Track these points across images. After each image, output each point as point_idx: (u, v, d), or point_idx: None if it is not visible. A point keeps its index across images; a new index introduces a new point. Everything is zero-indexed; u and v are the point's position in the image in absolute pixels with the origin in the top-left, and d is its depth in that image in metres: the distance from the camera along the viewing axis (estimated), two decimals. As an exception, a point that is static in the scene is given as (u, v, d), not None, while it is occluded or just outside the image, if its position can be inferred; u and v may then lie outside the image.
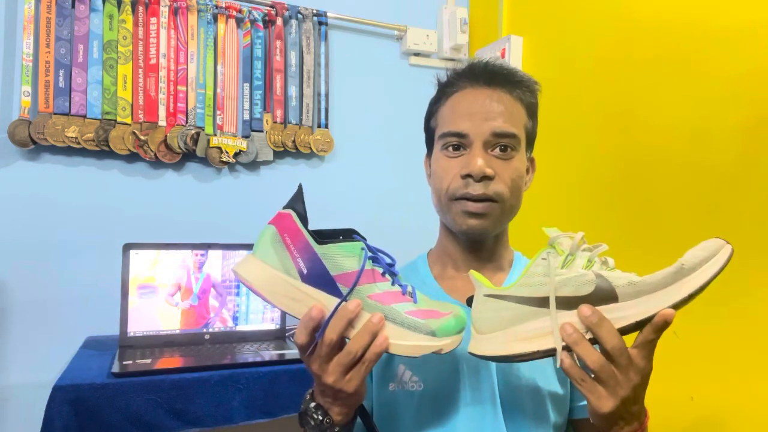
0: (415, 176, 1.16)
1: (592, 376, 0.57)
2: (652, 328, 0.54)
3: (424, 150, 0.88)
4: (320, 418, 0.63)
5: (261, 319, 1.43)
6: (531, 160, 0.84)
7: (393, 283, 0.63)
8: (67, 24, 1.48)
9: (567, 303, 0.57)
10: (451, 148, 0.77)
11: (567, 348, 0.57)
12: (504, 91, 0.78)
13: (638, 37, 1.35)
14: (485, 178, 0.74)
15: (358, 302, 0.60)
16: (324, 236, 0.63)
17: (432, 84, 0.86)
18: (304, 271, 0.60)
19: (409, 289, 0.64)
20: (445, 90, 0.82)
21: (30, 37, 1.44)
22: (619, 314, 0.55)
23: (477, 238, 0.80)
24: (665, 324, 0.54)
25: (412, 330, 0.61)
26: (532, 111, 0.81)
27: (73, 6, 1.49)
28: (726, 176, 1.14)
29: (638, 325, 0.55)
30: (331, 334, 0.59)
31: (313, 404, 0.65)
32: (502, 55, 1.75)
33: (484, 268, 0.82)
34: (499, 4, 1.85)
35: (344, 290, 0.60)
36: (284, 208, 0.62)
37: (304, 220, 0.61)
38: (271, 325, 1.44)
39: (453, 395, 0.74)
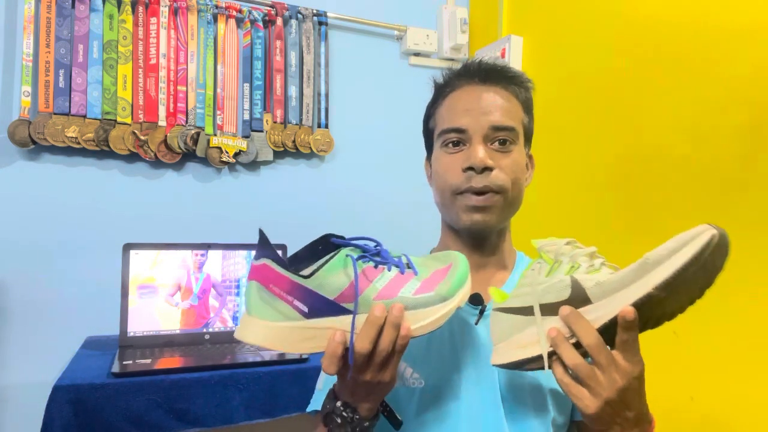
0: (415, 176, 1.16)
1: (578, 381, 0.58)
2: (620, 328, 0.54)
3: (424, 149, 0.88)
4: (350, 415, 0.65)
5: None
6: (529, 157, 0.84)
7: (389, 269, 0.63)
8: (67, 24, 1.48)
9: (552, 309, 0.58)
10: (450, 145, 0.78)
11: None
12: (499, 87, 0.79)
13: (638, 36, 1.35)
14: (486, 170, 0.74)
15: (382, 307, 0.59)
16: (303, 258, 0.62)
17: (432, 85, 0.86)
18: (305, 309, 0.59)
19: (404, 260, 0.64)
20: (441, 91, 0.82)
21: (30, 37, 1.44)
22: (593, 315, 0.56)
23: (480, 234, 0.80)
24: (627, 323, 0.53)
25: (427, 306, 0.61)
26: (527, 106, 0.81)
27: (73, 6, 1.49)
28: (726, 176, 1.14)
29: (612, 325, 0.55)
30: (364, 344, 0.59)
31: (339, 403, 0.66)
32: (502, 55, 1.75)
33: (487, 265, 0.82)
34: (499, 4, 1.85)
35: (349, 306, 0.59)
36: (255, 259, 0.60)
37: (280, 262, 0.59)
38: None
39: (454, 392, 0.75)
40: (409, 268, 0.64)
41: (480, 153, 0.74)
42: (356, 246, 0.63)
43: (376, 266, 0.62)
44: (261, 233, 0.61)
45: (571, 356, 0.56)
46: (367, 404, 0.65)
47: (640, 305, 0.53)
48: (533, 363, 0.60)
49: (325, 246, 0.63)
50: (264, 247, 0.60)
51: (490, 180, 0.74)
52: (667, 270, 0.51)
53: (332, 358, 0.59)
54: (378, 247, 0.64)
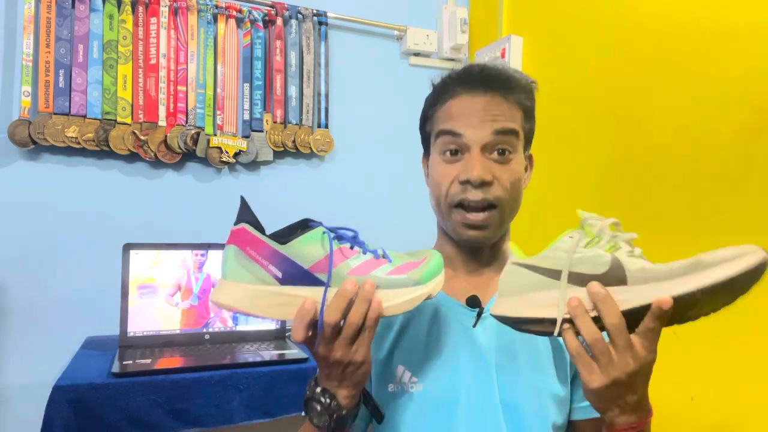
0: (415, 176, 1.16)
1: (590, 354, 0.58)
2: (651, 316, 0.54)
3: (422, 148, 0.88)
4: (327, 401, 0.64)
5: (261, 319, 1.43)
6: (529, 158, 0.83)
7: (364, 253, 0.65)
8: (67, 24, 1.48)
9: (580, 280, 0.58)
10: (448, 153, 0.76)
11: (570, 322, 0.58)
12: (501, 96, 0.76)
13: (638, 37, 1.35)
14: (484, 184, 0.73)
15: (353, 281, 0.61)
16: (282, 235, 0.63)
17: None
18: (279, 275, 0.60)
19: (380, 251, 0.66)
20: (440, 95, 0.80)
21: (30, 37, 1.44)
22: (624, 297, 0.56)
23: (477, 246, 0.79)
24: (661, 311, 0.53)
25: (399, 287, 0.63)
26: (529, 113, 0.80)
27: (73, 6, 1.49)
28: (726, 177, 1.14)
29: (641, 310, 0.55)
30: (333, 315, 0.59)
31: (319, 389, 0.65)
32: (502, 55, 1.75)
33: (486, 267, 0.82)
34: (499, 4, 1.85)
35: (322, 277, 0.61)
36: (235, 224, 0.62)
37: (259, 228, 0.61)
38: (271, 325, 1.44)
39: (452, 396, 0.74)
40: (384, 257, 0.66)
41: (478, 167, 0.72)
42: (334, 231, 0.65)
43: (351, 247, 0.64)
44: (242, 199, 0.63)
45: (591, 330, 0.56)
46: (344, 390, 0.65)
47: (678, 300, 0.53)
48: (540, 325, 0.60)
49: (304, 229, 0.65)
50: (245, 212, 0.62)
51: (488, 194, 0.73)
52: (717, 275, 0.53)
53: (300, 324, 0.59)
54: (355, 236, 0.66)
